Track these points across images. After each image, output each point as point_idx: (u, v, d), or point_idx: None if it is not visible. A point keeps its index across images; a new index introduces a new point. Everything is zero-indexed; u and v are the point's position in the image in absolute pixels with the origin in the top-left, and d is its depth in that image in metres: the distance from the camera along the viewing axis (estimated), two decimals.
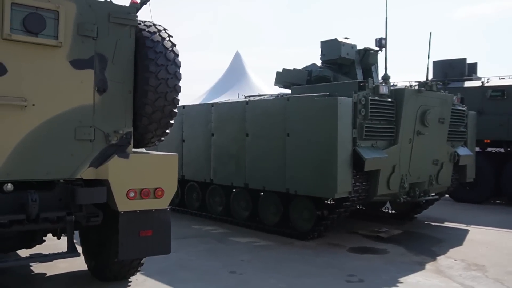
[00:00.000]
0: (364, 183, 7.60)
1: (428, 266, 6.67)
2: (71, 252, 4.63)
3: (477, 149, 13.05)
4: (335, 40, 9.09)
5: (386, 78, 8.28)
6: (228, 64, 34.80)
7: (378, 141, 7.68)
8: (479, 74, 13.90)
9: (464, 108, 9.58)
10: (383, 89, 7.61)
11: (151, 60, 4.91)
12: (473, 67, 13.97)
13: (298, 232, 8.22)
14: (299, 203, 8.22)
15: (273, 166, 7.97)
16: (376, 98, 7.53)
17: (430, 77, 13.95)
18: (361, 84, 7.47)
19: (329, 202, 8.32)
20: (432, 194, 9.30)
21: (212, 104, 9.28)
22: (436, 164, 8.77)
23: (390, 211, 10.52)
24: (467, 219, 10.23)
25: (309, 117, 7.37)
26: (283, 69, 9.42)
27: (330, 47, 9.18)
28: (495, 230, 9.20)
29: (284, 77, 9.39)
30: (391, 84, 13.11)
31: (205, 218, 10.12)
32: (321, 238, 8.17)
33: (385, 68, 8.42)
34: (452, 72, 13.55)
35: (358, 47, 9.61)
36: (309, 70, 9.34)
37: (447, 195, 12.69)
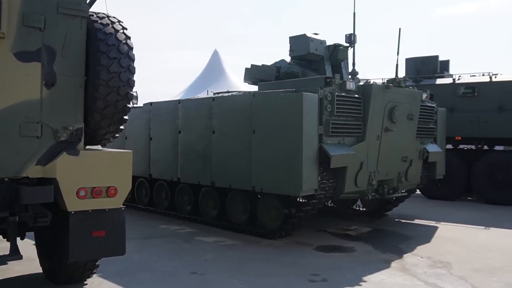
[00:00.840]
0: (331, 180, 7.49)
1: (394, 264, 6.59)
2: (13, 254, 4.39)
3: (449, 146, 13.15)
4: (304, 35, 8.97)
5: (353, 74, 8.19)
6: (206, 62, 34.63)
7: (345, 138, 7.58)
8: (451, 71, 13.95)
9: (433, 105, 9.55)
10: (350, 85, 7.52)
11: (103, 53, 4.70)
12: (445, 64, 14.02)
13: (266, 231, 8.09)
14: (267, 201, 8.09)
15: (239, 163, 7.81)
16: (343, 94, 7.42)
17: (403, 74, 14.04)
18: (328, 79, 7.36)
19: (301, 200, 8.20)
20: (402, 191, 9.26)
21: (179, 101, 9.09)
22: (405, 161, 8.72)
23: (361, 209, 10.46)
24: (437, 216, 10.23)
25: (275, 114, 7.23)
26: (252, 65, 9.27)
27: (298, 43, 9.05)
28: (464, 226, 9.20)
29: (253, 74, 9.24)
30: (367, 81, 13.10)
31: (173, 218, 9.92)
32: (289, 237, 8.05)
33: (353, 64, 8.34)
34: (425, 69, 13.57)
35: (332, 43, 9.50)
36: (278, 66, 9.21)
37: (418, 192, 12.73)
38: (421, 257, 6.92)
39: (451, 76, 13.08)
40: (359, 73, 8.56)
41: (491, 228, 9.00)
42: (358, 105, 7.68)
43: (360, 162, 7.74)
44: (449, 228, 9.09)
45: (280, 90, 7.31)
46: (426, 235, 8.41)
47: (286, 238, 8.00)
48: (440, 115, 9.91)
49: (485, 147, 12.59)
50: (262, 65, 9.23)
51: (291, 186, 7.04)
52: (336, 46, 9.22)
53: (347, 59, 9.46)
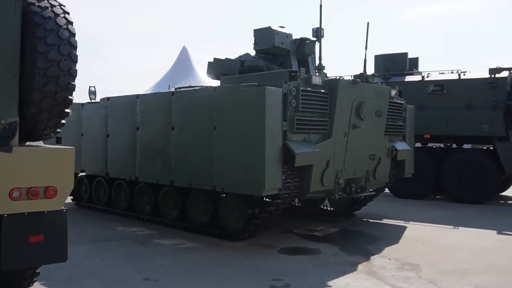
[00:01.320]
0: (296, 179, 7.14)
1: (361, 266, 6.27)
2: None
3: (418, 144, 13.01)
4: (269, 28, 8.59)
5: (320, 68, 7.85)
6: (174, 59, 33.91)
7: (311, 135, 7.23)
8: (420, 69, 13.79)
9: (402, 102, 9.31)
10: (316, 80, 7.17)
11: (40, 38, 4.19)
12: (414, 62, 13.89)
13: (228, 233, 7.69)
14: (229, 201, 7.70)
15: (200, 162, 7.39)
16: (309, 89, 7.07)
17: (372, 71, 13.84)
18: (293, 73, 7.00)
19: (268, 200, 7.82)
20: (370, 190, 8.99)
21: (138, 96, 8.58)
22: (373, 159, 8.45)
23: (329, 208, 10.16)
24: (406, 215, 10.02)
25: (236, 109, 6.84)
26: (214, 59, 8.84)
27: (263, 36, 8.67)
28: (433, 226, 8.98)
29: (215, 68, 8.81)
30: (338, 78, 12.83)
31: (133, 219, 9.42)
32: (252, 239, 7.67)
33: (319, 58, 8.00)
34: (394, 66, 13.40)
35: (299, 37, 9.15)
36: (242, 60, 8.81)
37: (387, 191, 12.53)
38: (389, 259, 6.63)
39: (420, 73, 12.94)
40: (325, 67, 8.22)
41: (460, 228, 8.81)
42: (324, 101, 7.35)
43: (326, 160, 7.42)
44: (418, 227, 8.86)
45: (242, 84, 6.91)
46: (395, 235, 8.15)
47: (249, 240, 7.61)
48: (409, 112, 9.68)
49: (454, 146, 12.50)
50: (226, 59, 8.82)
51: (253, 186, 6.65)
52: (302, 40, 8.87)
53: (314, 53, 9.13)
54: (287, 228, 8.52)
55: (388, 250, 7.12)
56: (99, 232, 8.30)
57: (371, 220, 9.56)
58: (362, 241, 7.73)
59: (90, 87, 10.46)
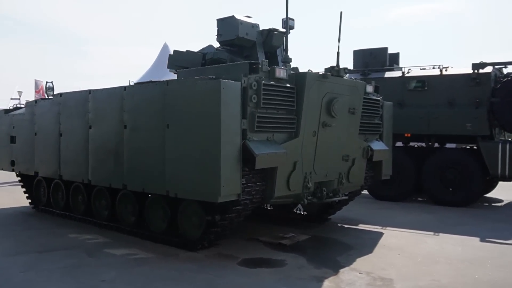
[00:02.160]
0: (258, 183, 6.45)
1: (327, 282, 5.60)
2: None
3: (400, 143, 12.42)
4: (232, 17, 7.88)
5: (286, 60, 7.16)
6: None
7: (275, 134, 6.55)
8: (401, 65, 13.18)
9: (379, 98, 8.66)
10: (280, 73, 6.49)
11: None
12: (395, 57, 13.26)
13: (186, 241, 6.99)
14: (188, 207, 7.00)
15: (153, 164, 6.67)
16: (272, 83, 6.38)
17: (351, 66, 13.19)
18: (254, 66, 6.31)
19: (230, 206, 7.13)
20: (344, 194, 8.36)
21: (90, 91, 7.82)
22: (346, 160, 7.79)
23: (302, 213, 9.49)
24: (383, 220, 9.38)
25: (190, 105, 6.13)
26: (174, 51, 8.11)
27: (227, 26, 7.95)
28: (411, 232, 8.35)
29: (176, 61, 8.07)
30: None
31: (89, 224, 8.69)
32: (214, 248, 6.99)
33: (286, 50, 7.29)
34: (373, 61, 12.76)
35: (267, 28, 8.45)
36: (205, 52, 8.09)
37: (366, 192, 11.93)
38: (360, 273, 5.96)
39: (400, 69, 12.32)
40: (292, 59, 7.51)
41: (440, 234, 8.17)
42: (290, 96, 6.67)
43: (293, 162, 6.74)
44: (395, 234, 8.22)
45: (196, 78, 6.21)
46: (369, 243, 7.50)
47: (210, 249, 6.91)
48: (387, 109, 9.05)
49: (436, 145, 11.91)
50: (187, 51, 8.09)
51: (208, 191, 5.95)
52: (270, 31, 8.18)
53: (283, 46, 8.43)
54: (254, 235, 7.84)
55: (360, 262, 6.46)
56: (48, 240, 7.55)
57: (346, 226, 8.91)
58: (332, 250, 7.07)
59: (47, 82, 9.70)
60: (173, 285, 5.44)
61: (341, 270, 6.06)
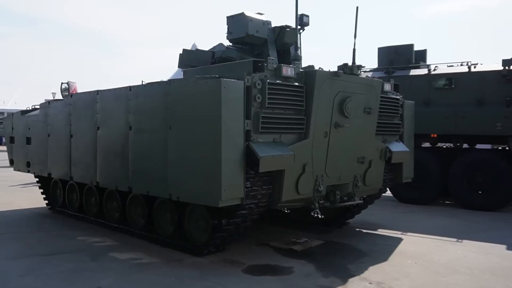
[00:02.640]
0: (264, 187, 6.16)
1: None
2: None
3: (427, 144, 11.92)
4: (242, 14, 7.60)
5: (296, 58, 6.83)
6: None
7: (283, 135, 6.24)
8: (429, 62, 12.59)
9: (398, 97, 8.22)
10: (288, 71, 6.18)
11: None
12: (421, 54, 12.68)
13: (193, 246, 6.77)
14: (194, 210, 6.79)
15: (156, 166, 6.48)
16: (278, 81, 6.08)
17: (375, 65, 12.73)
18: (259, 63, 6.02)
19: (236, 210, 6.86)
20: (360, 197, 7.99)
21: (98, 92, 7.70)
22: (362, 162, 7.41)
23: (319, 216, 9.14)
24: (405, 225, 8.93)
25: (191, 105, 5.90)
26: (184, 50, 7.90)
27: (236, 24, 7.68)
28: (433, 238, 7.89)
29: (186, 60, 7.86)
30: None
31: (101, 226, 8.59)
32: (221, 253, 6.74)
33: (296, 48, 6.96)
34: (398, 59, 12.25)
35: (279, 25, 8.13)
36: (214, 51, 7.85)
37: (390, 194, 11.49)
38: (370, 283, 5.59)
39: (426, 66, 11.77)
40: (302, 58, 7.17)
41: (464, 241, 7.69)
42: (299, 96, 6.34)
43: (302, 165, 6.42)
44: (415, 240, 7.78)
45: (197, 76, 5.97)
46: (386, 250, 7.10)
47: (216, 255, 6.67)
48: (408, 108, 8.59)
49: (466, 146, 11.31)
50: (196, 50, 7.89)
51: (209, 195, 5.70)
52: (282, 28, 7.86)
53: (297, 43, 8.10)
54: (265, 239, 7.55)
55: (372, 270, 6.08)
56: (55, 243, 7.47)
57: (364, 231, 8.51)
58: (345, 257, 6.70)
59: (62, 83, 9.69)
60: None
61: (350, 280, 5.71)
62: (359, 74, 7.12)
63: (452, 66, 11.40)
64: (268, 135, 6.04)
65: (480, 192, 10.65)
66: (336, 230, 8.52)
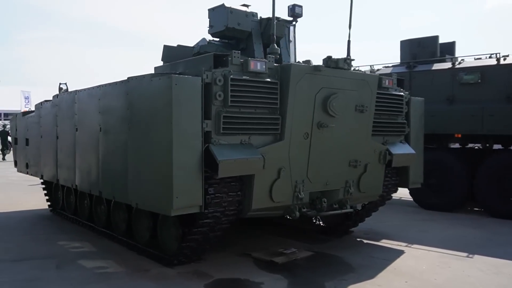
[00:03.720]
0: (231, 194, 5.59)
1: None
2: None
3: (456, 145, 10.94)
4: (222, 6, 7.04)
5: (273, 52, 6.19)
6: None
7: (253, 136, 5.64)
8: (458, 55, 11.52)
9: (402, 93, 7.40)
10: (257, 65, 5.56)
11: None
12: (449, 47, 11.62)
13: (164, 255, 6.31)
14: (168, 217, 6.30)
15: (119, 169, 6.07)
16: (245, 77, 5.48)
17: (397, 59, 11.82)
18: (223, 58, 5.46)
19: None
20: (362, 204, 7.28)
21: (76, 92, 7.40)
22: (355, 166, 6.67)
23: (321, 224, 8.45)
24: (415, 235, 8.07)
25: (146, 104, 5.43)
26: (164, 46, 7.44)
27: (217, 16, 7.14)
28: (440, 252, 7.01)
29: (167, 56, 7.40)
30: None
31: (90, 230, 8.32)
32: (195, 264, 6.23)
33: (273, 40, 6.31)
34: (422, 52, 11.27)
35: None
36: (194, 46, 7.33)
37: (410, 199, 10.61)
38: None
39: (451, 59, 10.73)
40: (279, 50, 6.45)
41: (475, 256, 6.77)
42: (272, 93, 5.72)
43: (277, 169, 5.80)
44: (419, 254, 6.95)
45: (154, 74, 5.48)
46: (379, 265, 6.33)
47: (188, 265, 6.16)
48: (415, 106, 7.72)
49: (499, 147, 10.20)
50: (178, 45, 7.39)
51: (162, 202, 5.20)
52: (269, 20, 7.23)
53: (287, 36, 7.45)
54: (250, 249, 6.98)
55: None
56: (33, 248, 7.20)
57: (365, 241, 7.73)
58: (327, 273, 6.00)
59: (60, 84, 9.50)
60: None
61: None
62: (347, 69, 6.39)
63: (480, 58, 10.32)
64: (233, 137, 5.47)
65: (508, 198, 9.54)
66: (335, 239, 7.80)
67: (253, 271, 6.05)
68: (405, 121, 7.49)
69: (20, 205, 10.84)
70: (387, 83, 7.08)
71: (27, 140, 9.78)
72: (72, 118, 7.47)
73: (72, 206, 9.29)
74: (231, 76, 5.33)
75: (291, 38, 7.64)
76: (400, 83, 7.51)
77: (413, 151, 7.47)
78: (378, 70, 11.69)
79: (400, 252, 7.01)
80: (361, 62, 19.50)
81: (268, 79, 5.69)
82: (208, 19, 7.30)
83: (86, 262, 6.45)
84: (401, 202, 11.75)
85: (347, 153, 6.57)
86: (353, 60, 6.44)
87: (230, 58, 5.42)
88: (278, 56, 6.20)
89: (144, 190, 5.53)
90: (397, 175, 7.64)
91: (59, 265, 6.28)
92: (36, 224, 9.12)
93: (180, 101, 5.01)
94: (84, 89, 7.16)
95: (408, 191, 10.88)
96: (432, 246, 7.33)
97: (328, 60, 6.16)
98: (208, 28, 7.34)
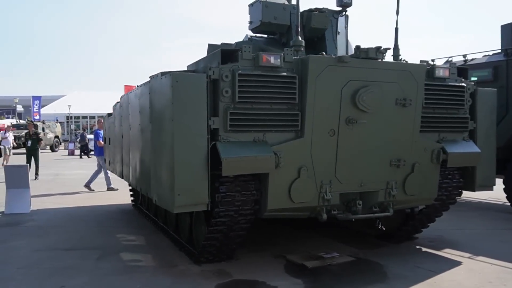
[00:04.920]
0: (245, 193, 5.41)
1: None
2: None
3: None
4: (257, 1, 6.82)
5: (296, 44, 5.81)
6: None
7: (269, 134, 5.38)
8: None
9: (463, 84, 6.51)
10: (271, 59, 5.31)
11: None
12: None
13: (194, 252, 6.36)
14: (200, 214, 6.34)
15: (147, 166, 6.24)
16: (257, 72, 5.27)
17: (498, 46, 10.51)
18: (235, 53, 5.30)
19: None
20: (417, 207, 6.64)
21: (129, 93, 7.78)
22: (397, 166, 6.04)
23: (382, 228, 7.83)
24: (490, 246, 7.10)
25: (156, 103, 5.54)
26: (209, 44, 7.45)
27: (255, 12, 6.94)
28: (503, 267, 6.06)
29: None
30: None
31: (153, 224, 8.70)
32: (225, 263, 6.17)
33: (297, 32, 5.92)
34: None
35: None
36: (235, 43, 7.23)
37: (505, 202, 9.42)
38: None
39: None
40: (303, 42, 5.99)
41: None
42: (290, 88, 5.41)
43: (297, 168, 5.49)
44: (476, 267, 6.07)
45: (164, 72, 5.51)
46: (420, 276, 5.66)
47: (214, 264, 6.13)
48: (484, 99, 6.74)
49: None
50: (222, 43, 7.35)
51: (168, 199, 5.23)
52: (310, 12, 6.84)
53: (336, 27, 6.99)
54: (293, 250, 6.75)
55: None
56: (90, 239, 7.68)
57: (424, 249, 6.98)
58: (354, 281, 5.53)
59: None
60: None
61: None
62: (382, 58, 5.80)
63: None
64: (244, 134, 5.28)
65: None
66: (392, 245, 7.17)
67: (277, 274, 5.81)
68: (467, 115, 6.59)
69: (109, 200, 11.73)
70: (441, 73, 6.29)
71: (109, 139, 10.56)
72: (127, 118, 7.88)
73: (146, 201, 9.80)
74: (239, 71, 5.16)
75: (340, 29, 7.17)
76: (463, 73, 6.63)
77: (477, 150, 6.53)
78: (472, 60, 10.51)
79: (455, 264, 6.20)
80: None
81: (285, 73, 5.40)
82: (249, 15, 7.17)
83: (126, 254, 6.76)
84: (496, 207, 10.44)
85: (387, 151, 5.97)
86: (389, 49, 5.84)
87: (240, 53, 5.25)
88: (302, 49, 5.84)
89: (158, 186, 5.63)
90: (461, 176, 6.76)
91: (101, 256, 6.65)
92: (111, 217, 9.70)
93: (181, 98, 4.99)
94: (134, 89, 7.50)
95: (505, 195, 9.66)
96: (501, 259, 6.36)
97: (356, 50, 5.66)
98: (248, 25, 7.21)
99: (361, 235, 7.79)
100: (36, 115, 41.17)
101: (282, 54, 5.41)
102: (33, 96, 43.04)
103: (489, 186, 6.91)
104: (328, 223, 8.27)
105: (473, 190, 6.83)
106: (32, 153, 15.76)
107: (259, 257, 6.50)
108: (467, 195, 12.00)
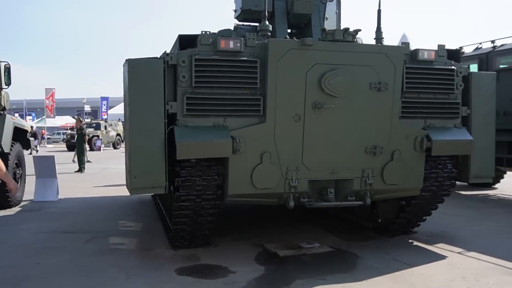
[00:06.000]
0: (206, 178, 5.42)
1: None
2: None
3: None
4: None
5: (263, 28, 5.69)
6: None
7: (230, 119, 5.37)
8: None
9: (452, 67, 6.09)
10: (230, 44, 5.29)
11: None
12: None
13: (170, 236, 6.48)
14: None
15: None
16: (215, 57, 5.27)
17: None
18: (194, 39, 5.34)
19: None
20: (395, 198, 6.31)
21: None
22: (374, 154, 5.79)
23: (379, 220, 7.53)
24: (491, 243, 6.63)
25: (125, 88, 5.65)
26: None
27: (237, 0, 6.90)
28: (491, 263, 5.62)
29: None
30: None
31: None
32: (202, 249, 6.22)
33: (264, 17, 5.79)
34: None
35: None
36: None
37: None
38: None
39: None
40: (270, 27, 5.81)
41: None
42: (250, 72, 5.35)
43: (259, 153, 5.43)
44: (459, 262, 5.69)
45: (130, 59, 5.63)
46: (391, 269, 5.41)
47: (190, 249, 6.20)
48: (479, 82, 6.26)
49: None
50: (219, 31, 7.35)
51: (127, 182, 5.40)
52: None
53: (324, 13, 6.79)
54: (276, 239, 6.69)
55: None
56: (92, 225, 7.86)
57: (416, 243, 6.62)
58: (315, 270, 5.37)
59: None
60: (73, 279, 5.13)
61: None
62: (353, 41, 5.58)
63: None
64: (203, 119, 5.31)
65: None
66: (383, 238, 6.88)
67: (245, 261, 5.75)
68: (458, 101, 6.16)
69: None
70: (425, 56, 5.94)
71: None
72: None
73: None
74: (196, 56, 5.19)
75: (328, 15, 6.96)
76: (454, 55, 6.22)
77: (469, 137, 6.09)
78: (502, 45, 9.81)
79: (437, 258, 5.84)
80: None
81: (245, 58, 5.35)
82: (234, 4, 7.15)
83: (114, 238, 7.00)
84: None
85: (362, 138, 5.74)
86: (359, 30, 5.61)
87: (199, 38, 5.28)
88: (269, 34, 5.74)
89: (126, 170, 5.79)
90: (453, 166, 6.34)
91: (91, 239, 6.94)
92: (128, 207, 9.95)
93: (137, 83, 5.11)
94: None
95: None
96: (494, 256, 5.90)
97: (323, 32, 5.49)
98: (234, 14, 7.19)
99: (359, 228, 7.53)
100: (104, 115, 43.45)
101: (242, 38, 5.37)
102: (101, 97, 45.48)
103: (486, 177, 6.43)
104: (329, 215, 8.19)
105: (467, 181, 6.38)
106: (77, 147, 16.69)
107: (239, 245, 6.48)
108: (502, 192, 11.25)
